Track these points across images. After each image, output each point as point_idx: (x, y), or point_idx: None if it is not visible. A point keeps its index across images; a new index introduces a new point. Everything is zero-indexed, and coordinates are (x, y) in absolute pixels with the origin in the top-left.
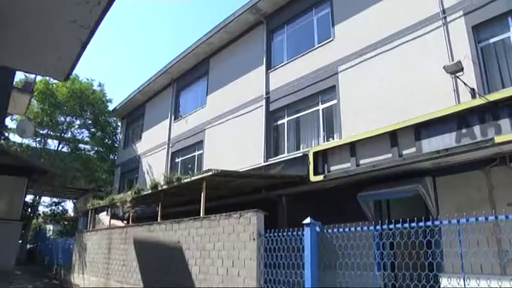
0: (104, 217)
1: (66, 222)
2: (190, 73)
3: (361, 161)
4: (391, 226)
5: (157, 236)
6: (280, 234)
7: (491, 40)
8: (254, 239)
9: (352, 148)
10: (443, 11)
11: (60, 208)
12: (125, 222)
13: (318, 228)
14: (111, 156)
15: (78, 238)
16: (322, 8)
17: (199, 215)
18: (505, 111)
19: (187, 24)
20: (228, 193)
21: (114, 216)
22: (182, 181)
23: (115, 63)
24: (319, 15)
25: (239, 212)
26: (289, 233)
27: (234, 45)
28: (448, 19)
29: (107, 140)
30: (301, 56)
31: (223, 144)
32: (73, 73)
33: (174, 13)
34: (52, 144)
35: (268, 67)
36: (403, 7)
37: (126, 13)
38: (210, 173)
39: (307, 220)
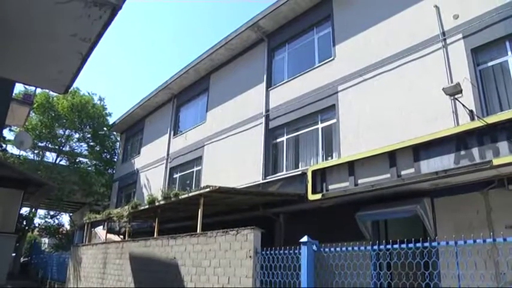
0: (100, 231)
1: (61, 236)
2: (191, 89)
3: (360, 181)
4: (389, 246)
5: (153, 251)
6: (277, 252)
7: (490, 63)
8: (250, 257)
9: (351, 167)
10: (443, 34)
11: (56, 221)
12: (121, 236)
13: (314, 247)
14: (109, 171)
15: (74, 252)
16: (323, 28)
17: (196, 231)
18: (503, 134)
19: (189, 39)
20: (225, 210)
21: (110, 230)
22: (180, 197)
23: (116, 77)
24: (320, 35)
25: (236, 229)
26: (286, 251)
27: (235, 62)
28: (448, 41)
29: (105, 154)
30: (301, 75)
31: (222, 160)
32: (73, 86)
33: (177, 28)
34: (50, 156)
35: (269, 85)
36: (403, 29)
37: (128, 27)
38: (207, 189)
39: (304, 238)
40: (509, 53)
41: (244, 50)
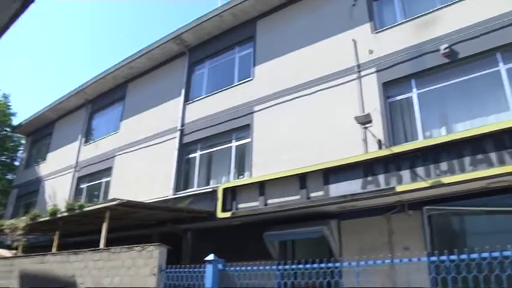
0: None
1: None
2: (107, 96)
3: (270, 201)
4: (293, 266)
5: (50, 268)
6: (181, 270)
7: (398, 97)
8: (154, 274)
9: (262, 187)
10: (359, 66)
11: None
12: (15, 251)
13: (220, 266)
14: (8, 176)
15: None
16: (245, 48)
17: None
18: (406, 163)
19: (108, 45)
20: (133, 224)
21: (0, 244)
22: (84, 209)
23: (25, 76)
24: (241, 54)
25: (141, 245)
26: (191, 269)
27: (155, 72)
28: (362, 73)
29: (4, 156)
30: (219, 92)
31: (133, 173)
32: None
33: (94, 33)
34: None
35: (187, 99)
36: (322, 57)
37: (41, 30)
38: (114, 202)
39: (210, 257)
40: (414, 89)
41: (165, 61)
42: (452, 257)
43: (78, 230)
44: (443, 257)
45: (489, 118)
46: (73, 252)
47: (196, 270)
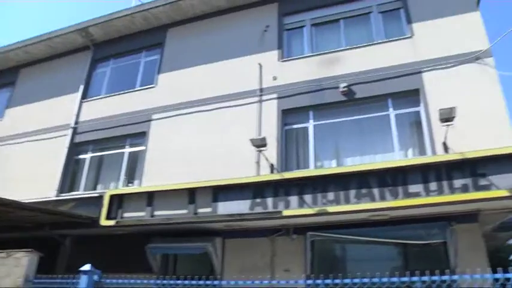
0: None
1: None
2: None
3: (157, 212)
4: (172, 282)
5: None
6: (53, 280)
7: (295, 126)
8: (19, 285)
9: (150, 198)
10: (261, 90)
11: None
12: None
13: (96, 277)
14: None
15: None
16: (152, 53)
17: None
18: (295, 190)
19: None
20: (5, 226)
21: None
22: None
23: None
24: (147, 59)
25: (7, 251)
26: (63, 280)
27: (54, 62)
28: (264, 98)
29: None
30: (119, 94)
31: (14, 167)
32: None
33: None
34: None
35: (84, 96)
36: (228, 75)
37: None
38: None
39: (86, 267)
40: (311, 121)
41: (66, 53)
42: (327, 281)
43: None
44: (318, 281)
45: (376, 156)
46: None
47: (69, 281)
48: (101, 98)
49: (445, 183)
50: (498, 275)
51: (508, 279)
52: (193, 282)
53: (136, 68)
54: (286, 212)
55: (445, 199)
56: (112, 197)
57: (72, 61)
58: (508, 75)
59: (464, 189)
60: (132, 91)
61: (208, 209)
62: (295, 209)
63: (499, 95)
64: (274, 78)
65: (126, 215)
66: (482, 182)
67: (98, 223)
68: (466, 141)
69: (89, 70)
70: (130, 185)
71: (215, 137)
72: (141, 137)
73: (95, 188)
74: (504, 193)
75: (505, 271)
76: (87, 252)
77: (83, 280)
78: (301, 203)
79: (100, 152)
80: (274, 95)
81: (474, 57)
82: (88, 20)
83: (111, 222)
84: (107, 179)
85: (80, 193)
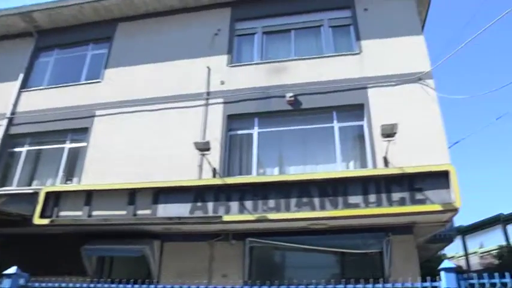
0: None
1: None
2: None
3: (95, 212)
4: (106, 285)
5: None
6: None
7: (239, 132)
8: None
9: (89, 196)
10: (208, 93)
11: None
12: None
13: (22, 281)
14: None
15: None
16: (100, 47)
17: None
18: (237, 195)
19: None
20: None
21: None
22: None
23: None
24: (94, 52)
25: None
26: None
27: None
28: (210, 101)
29: None
30: (62, 87)
31: None
32: None
33: None
34: None
35: (24, 85)
36: (176, 76)
37: None
38: None
39: (12, 269)
40: (256, 128)
41: (4, 37)
42: (264, 287)
43: None
44: (255, 287)
45: (318, 167)
46: None
47: None
48: (42, 89)
49: (383, 195)
50: (426, 284)
51: None
52: (129, 285)
53: (82, 61)
54: (226, 217)
55: (383, 211)
56: (48, 194)
57: (11, 47)
58: (446, 97)
59: (402, 202)
60: (76, 84)
61: (148, 211)
62: (235, 215)
63: (437, 115)
64: (222, 83)
65: (62, 213)
66: (419, 196)
67: (30, 221)
68: (405, 156)
69: (31, 58)
70: (68, 182)
71: (158, 138)
72: (83, 133)
73: (29, 184)
74: (438, 207)
75: (433, 280)
76: (17, 253)
77: (6, 284)
78: (242, 209)
79: (38, 145)
80: (221, 100)
81: (416, 78)
82: (32, 4)
83: (46, 221)
84: (43, 175)
85: (12, 188)
